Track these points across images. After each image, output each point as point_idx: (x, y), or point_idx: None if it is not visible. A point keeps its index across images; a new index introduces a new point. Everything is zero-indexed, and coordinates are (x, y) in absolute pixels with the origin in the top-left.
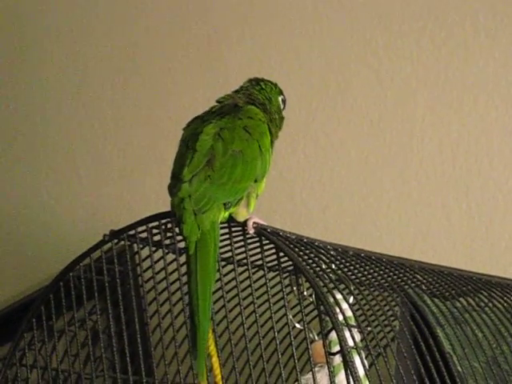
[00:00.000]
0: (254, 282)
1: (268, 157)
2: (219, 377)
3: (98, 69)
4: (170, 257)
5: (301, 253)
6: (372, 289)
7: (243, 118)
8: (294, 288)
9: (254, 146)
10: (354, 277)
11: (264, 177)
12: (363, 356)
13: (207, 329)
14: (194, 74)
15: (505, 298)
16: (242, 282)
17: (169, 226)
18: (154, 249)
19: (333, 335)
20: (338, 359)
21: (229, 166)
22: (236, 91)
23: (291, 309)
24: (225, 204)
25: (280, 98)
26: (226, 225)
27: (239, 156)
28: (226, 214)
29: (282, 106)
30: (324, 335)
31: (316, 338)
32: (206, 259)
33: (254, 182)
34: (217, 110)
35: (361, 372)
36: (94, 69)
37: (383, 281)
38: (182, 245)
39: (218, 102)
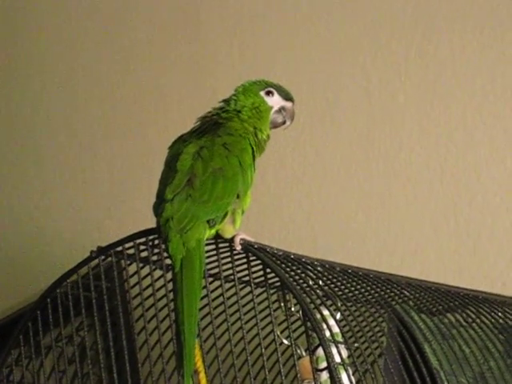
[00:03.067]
0: (241, 298)
1: (250, 172)
2: None
3: (88, 86)
4: (158, 273)
5: (288, 269)
6: (359, 305)
7: (222, 135)
8: (281, 304)
9: (234, 162)
10: (340, 293)
11: (247, 191)
12: (350, 372)
13: (193, 346)
14: (182, 93)
15: (492, 314)
16: (229, 298)
17: (156, 242)
18: (141, 265)
19: (320, 351)
20: (325, 375)
21: (209, 183)
22: (224, 100)
23: (278, 325)
24: (208, 221)
25: (263, 91)
26: (213, 241)
27: (219, 173)
28: (213, 231)
29: (265, 97)
30: (311, 351)
31: (303, 354)
32: (192, 276)
33: (237, 197)
34: (197, 129)
35: None
36: (83, 86)
37: (370, 297)
38: (169, 261)
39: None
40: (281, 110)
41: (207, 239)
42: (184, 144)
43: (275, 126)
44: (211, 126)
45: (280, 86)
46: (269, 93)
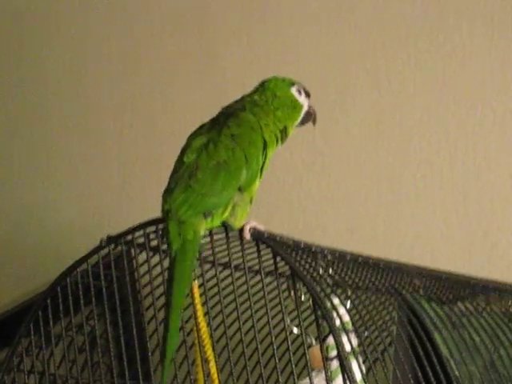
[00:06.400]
0: (252, 287)
1: (255, 165)
2: (217, 382)
3: (98, 78)
4: (168, 261)
5: (298, 258)
6: (369, 293)
7: (232, 127)
8: (292, 293)
9: (240, 155)
10: (351, 281)
11: (251, 185)
12: (360, 361)
13: (176, 337)
14: (189, 87)
15: (502, 302)
16: (239, 287)
17: None
18: (151, 254)
19: (330, 340)
20: (335, 364)
21: (210, 177)
22: (245, 95)
23: (289, 314)
24: (204, 214)
25: (294, 89)
26: (223, 230)
27: (223, 166)
28: (216, 223)
29: (297, 96)
30: (321, 340)
31: (313, 342)
32: (182, 268)
33: (239, 190)
34: (214, 119)
35: (358, 377)
36: (93, 77)
37: (380, 285)
38: None
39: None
40: (310, 110)
41: (211, 229)
42: (194, 136)
43: (301, 124)
44: (227, 115)
45: (300, 83)
46: (299, 91)
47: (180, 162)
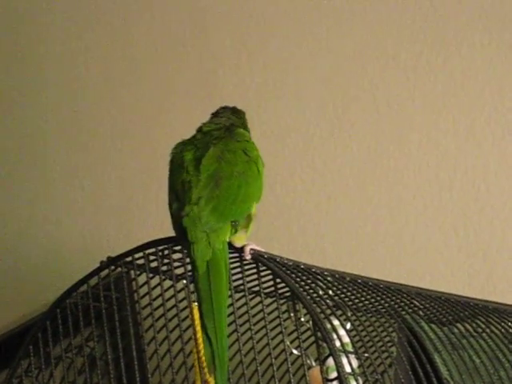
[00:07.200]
0: (251, 308)
1: (263, 179)
2: None
3: (97, 97)
4: (167, 283)
5: (298, 279)
6: (369, 315)
7: (241, 141)
8: (291, 314)
9: (253, 167)
10: (351, 303)
11: (259, 199)
12: (360, 382)
13: (226, 346)
14: (192, 106)
15: (502, 324)
16: (238, 308)
17: (166, 252)
18: (151, 275)
19: (330, 361)
20: None
21: (235, 186)
22: (215, 117)
23: (288, 335)
24: (232, 223)
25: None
26: None
27: (243, 177)
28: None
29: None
30: (321, 361)
31: (313, 364)
32: (219, 278)
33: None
34: (209, 134)
35: None
36: (92, 96)
37: (380, 307)
38: (178, 271)
39: (200, 129)
40: None
41: None
42: (203, 147)
43: None
44: (224, 131)
45: None
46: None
47: (195, 173)
